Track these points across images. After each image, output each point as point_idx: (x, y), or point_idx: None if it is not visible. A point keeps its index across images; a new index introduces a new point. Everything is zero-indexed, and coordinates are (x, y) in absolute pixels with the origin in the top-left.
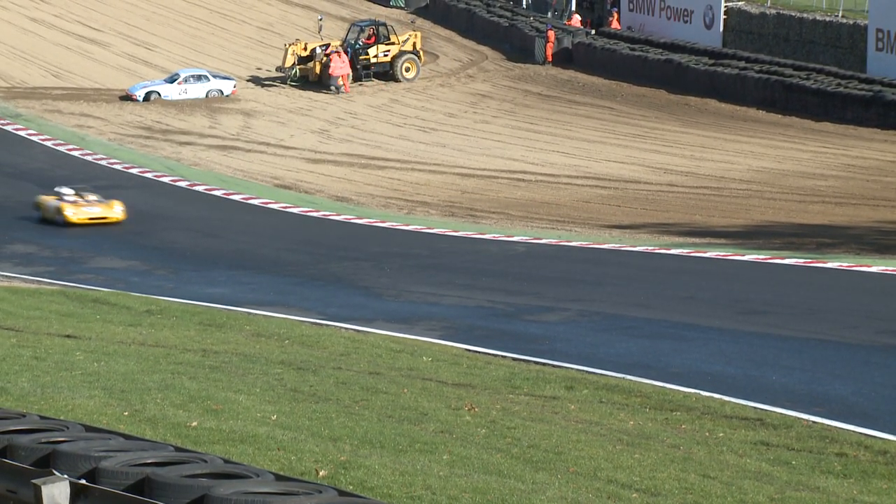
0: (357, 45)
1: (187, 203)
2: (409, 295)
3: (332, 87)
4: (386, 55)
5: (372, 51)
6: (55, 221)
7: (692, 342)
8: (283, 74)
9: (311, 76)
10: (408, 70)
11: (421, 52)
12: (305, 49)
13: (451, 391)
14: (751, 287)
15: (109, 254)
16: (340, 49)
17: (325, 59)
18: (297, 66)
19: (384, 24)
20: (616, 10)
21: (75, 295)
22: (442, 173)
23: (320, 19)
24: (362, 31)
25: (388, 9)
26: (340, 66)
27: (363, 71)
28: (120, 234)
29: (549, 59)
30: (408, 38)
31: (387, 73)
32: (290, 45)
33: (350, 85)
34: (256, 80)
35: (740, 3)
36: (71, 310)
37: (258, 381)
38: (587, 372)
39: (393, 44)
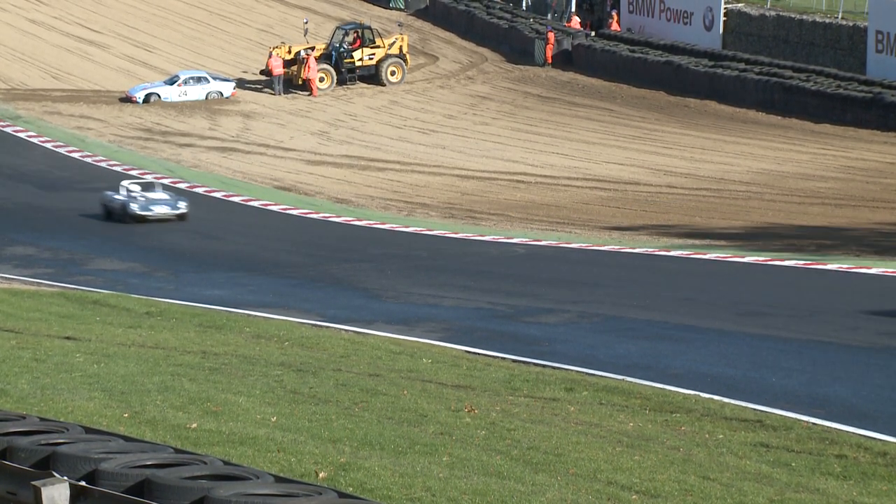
0: (342, 49)
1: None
2: (408, 297)
3: (275, 87)
4: (371, 58)
5: (357, 54)
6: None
7: (692, 344)
8: (267, 77)
9: (294, 79)
10: (393, 74)
11: (407, 56)
12: (290, 52)
13: (451, 393)
14: (751, 289)
15: (109, 256)
16: (294, 54)
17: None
18: (282, 70)
19: (369, 28)
20: (616, 11)
21: (75, 297)
22: (441, 175)
23: (306, 22)
24: (347, 34)
25: (388, 10)
26: (277, 67)
27: (347, 74)
28: (120, 235)
29: (549, 60)
30: (394, 42)
31: (372, 76)
32: (274, 48)
33: (332, 88)
34: (241, 84)
35: (740, 4)
36: (71, 311)
37: (258, 382)
38: (587, 374)
39: (378, 47)
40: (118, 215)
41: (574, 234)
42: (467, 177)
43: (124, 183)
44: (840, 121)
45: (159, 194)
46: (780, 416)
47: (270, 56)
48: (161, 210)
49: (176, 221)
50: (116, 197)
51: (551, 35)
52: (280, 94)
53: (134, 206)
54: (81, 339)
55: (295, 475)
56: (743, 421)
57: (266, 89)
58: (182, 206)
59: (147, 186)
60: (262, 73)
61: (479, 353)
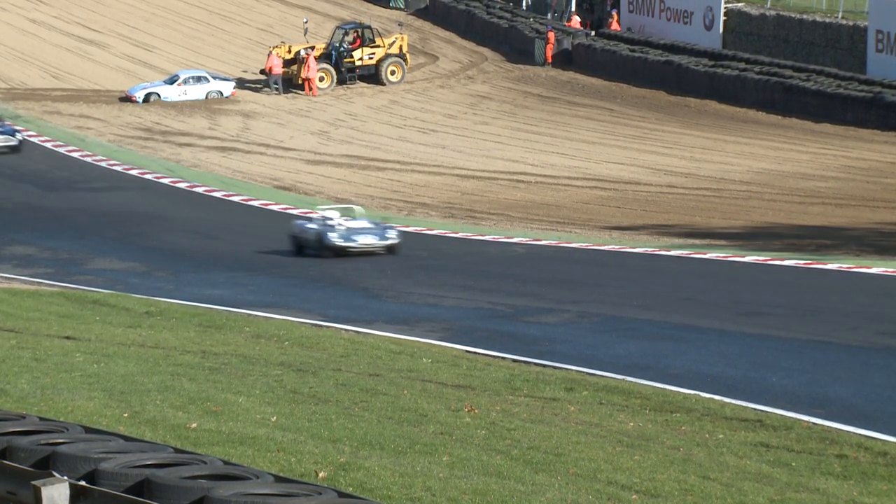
0: (342, 48)
1: (187, 204)
2: (408, 296)
3: (273, 86)
4: (371, 58)
5: (357, 53)
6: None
7: (692, 343)
8: (266, 77)
9: (294, 79)
10: (393, 73)
11: (407, 55)
12: (290, 52)
13: (451, 393)
14: (751, 288)
15: (109, 255)
16: (283, 52)
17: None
18: (281, 69)
19: (369, 27)
20: (616, 11)
21: (75, 296)
22: (441, 174)
23: (305, 21)
24: (347, 33)
25: (388, 10)
26: (277, 67)
27: (347, 74)
28: (120, 235)
29: (549, 60)
30: (394, 41)
31: (372, 76)
32: (274, 47)
33: (332, 87)
34: (240, 83)
35: (740, 4)
36: (70, 311)
37: (258, 382)
38: (587, 373)
39: (378, 47)
40: (313, 248)
41: (574, 233)
42: (467, 176)
43: (319, 210)
44: (840, 120)
45: (362, 223)
46: (780, 415)
47: (270, 55)
48: (366, 240)
49: (383, 254)
50: (310, 227)
51: (551, 35)
52: (280, 94)
53: (333, 237)
54: (81, 338)
55: (295, 475)
56: (743, 421)
57: (265, 88)
58: (392, 237)
59: (347, 213)
60: (262, 72)
61: (479, 353)
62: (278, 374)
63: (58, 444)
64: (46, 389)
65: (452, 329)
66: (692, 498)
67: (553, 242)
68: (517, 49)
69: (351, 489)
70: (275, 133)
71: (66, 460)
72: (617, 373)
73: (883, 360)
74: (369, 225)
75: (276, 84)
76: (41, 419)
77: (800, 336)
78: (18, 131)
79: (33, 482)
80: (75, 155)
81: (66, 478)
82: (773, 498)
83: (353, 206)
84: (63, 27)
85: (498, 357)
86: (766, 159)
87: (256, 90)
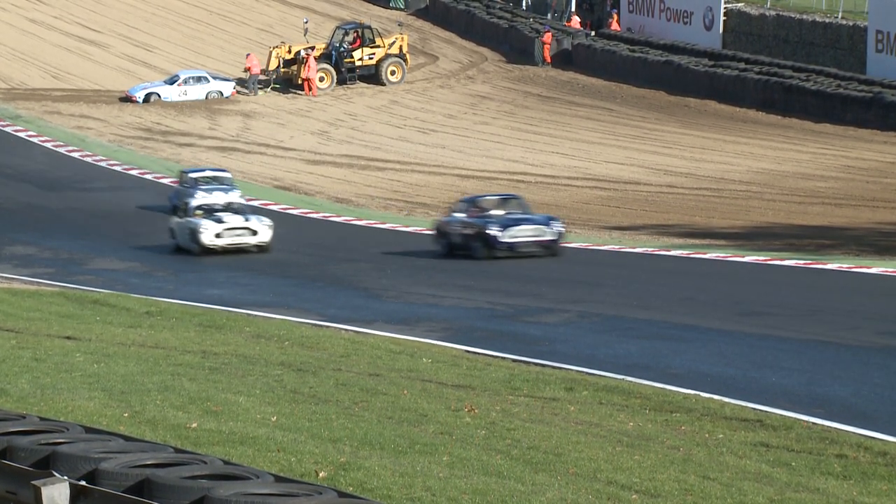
0: (342, 48)
1: None
2: (408, 296)
3: (253, 86)
4: (371, 58)
5: (357, 54)
6: None
7: (692, 343)
8: (266, 78)
9: (294, 79)
10: (393, 73)
11: (407, 55)
12: (290, 52)
13: (451, 392)
14: (750, 288)
15: (109, 255)
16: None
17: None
18: (281, 69)
19: (369, 27)
20: (616, 11)
21: (75, 296)
22: (441, 174)
23: (306, 22)
24: (347, 33)
25: (388, 10)
26: (255, 67)
27: (348, 74)
28: (120, 235)
29: (548, 60)
30: (394, 41)
31: (372, 76)
32: (274, 48)
33: (332, 87)
34: (241, 83)
35: (740, 4)
36: (71, 311)
37: (258, 382)
38: (587, 373)
39: (378, 47)
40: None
41: (574, 233)
42: (467, 176)
43: None
44: (840, 120)
45: None
46: (780, 415)
47: (249, 56)
48: None
49: None
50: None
51: (548, 35)
52: (254, 94)
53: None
54: (81, 338)
55: (295, 475)
56: (743, 420)
57: (256, 90)
58: None
59: None
60: (262, 72)
61: (479, 353)
62: (278, 374)
63: (58, 444)
64: (46, 389)
65: (452, 329)
66: (692, 498)
67: None
68: (517, 49)
69: (351, 489)
70: (275, 133)
71: (66, 460)
72: (617, 373)
73: (883, 360)
74: None
75: (256, 84)
76: (41, 419)
77: (800, 336)
78: (555, 219)
79: (33, 482)
80: (75, 155)
81: (66, 478)
82: (772, 498)
83: None
84: (63, 27)
85: (498, 357)
86: (765, 159)
87: (245, 92)
